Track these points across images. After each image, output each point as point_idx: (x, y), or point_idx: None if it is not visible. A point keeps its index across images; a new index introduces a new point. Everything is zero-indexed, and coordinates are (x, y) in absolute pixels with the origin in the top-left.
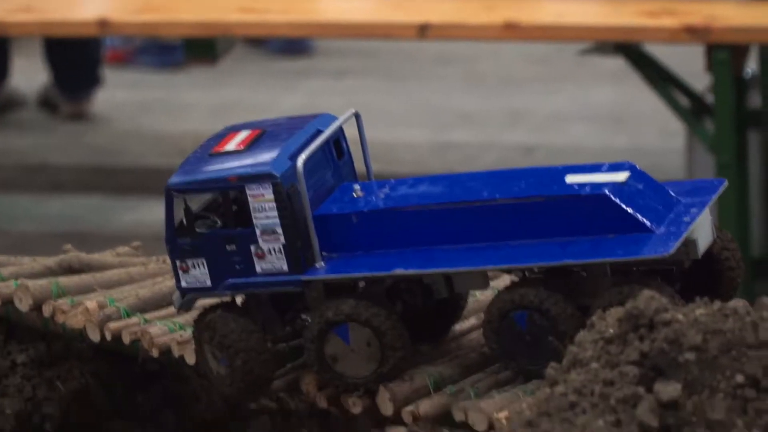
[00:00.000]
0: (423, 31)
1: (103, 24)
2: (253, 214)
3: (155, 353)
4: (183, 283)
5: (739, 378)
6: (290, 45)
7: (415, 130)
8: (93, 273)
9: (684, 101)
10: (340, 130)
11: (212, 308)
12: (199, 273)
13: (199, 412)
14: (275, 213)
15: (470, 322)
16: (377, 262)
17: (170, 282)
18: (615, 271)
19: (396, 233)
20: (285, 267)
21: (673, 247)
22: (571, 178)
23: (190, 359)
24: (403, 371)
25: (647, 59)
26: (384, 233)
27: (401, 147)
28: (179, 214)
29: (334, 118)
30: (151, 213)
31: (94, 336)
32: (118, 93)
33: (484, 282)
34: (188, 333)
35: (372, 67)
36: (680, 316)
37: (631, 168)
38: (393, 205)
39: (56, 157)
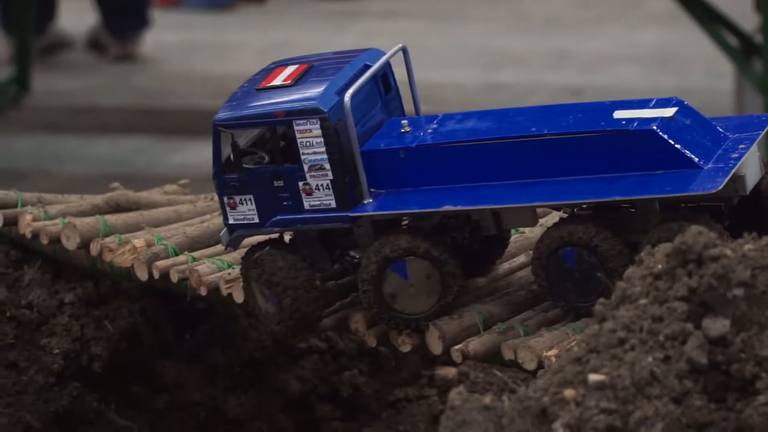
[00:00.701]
0: None
1: None
2: (300, 150)
3: (203, 292)
4: (230, 220)
5: None
6: None
7: (463, 70)
8: (141, 211)
9: (733, 41)
10: (388, 66)
11: (260, 245)
12: (246, 209)
13: (248, 350)
14: (323, 148)
15: (519, 259)
16: (426, 198)
17: (218, 220)
18: (663, 207)
19: (444, 169)
20: (333, 203)
21: (722, 183)
22: (619, 114)
23: (238, 298)
24: (463, 304)
25: None
26: (432, 169)
27: (449, 87)
28: (226, 150)
29: (381, 53)
30: (199, 154)
31: (142, 275)
32: (166, 34)
33: (532, 219)
34: (236, 271)
35: (420, 9)
36: (728, 252)
37: (679, 103)
38: (440, 141)
39: (104, 99)
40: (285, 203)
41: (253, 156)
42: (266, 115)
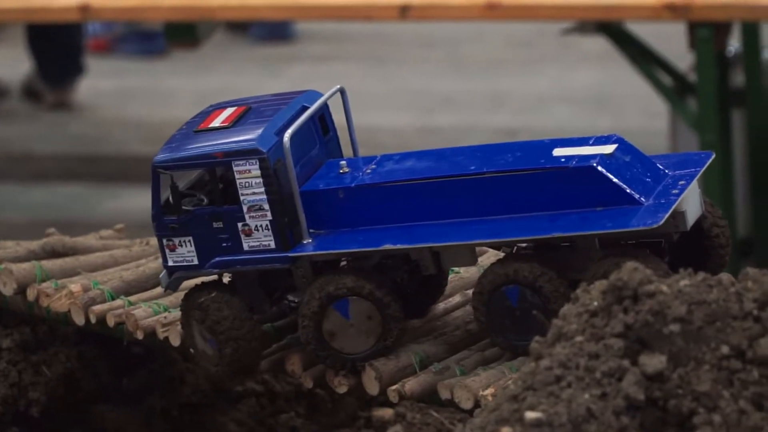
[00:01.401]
0: (404, 12)
1: (84, 9)
2: (240, 191)
3: (140, 336)
4: (170, 262)
5: (725, 349)
6: (272, 31)
7: (398, 113)
8: (77, 256)
9: (667, 81)
10: (326, 107)
11: (204, 287)
12: (186, 251)
13: (185, 394)
14: (262, 189)
15: (455, 299)
16: (366, 237)
17: (154, 264)
18: (604, 244)
19: (383, 209)
20: (272, 244)
21: (663, 218)
22: (558, 151)
23: (175, 341)
24: (400, 344)
25: (629, 39)
26: (371, 209)
27: (385, 131)
28: (166, 192)
29: (319, 95)
30: (134, 200)
31: (79, 319)
32: (101, 81)
33: (472, 258)
34: (173, 315)
35: (354, 52)
36: (664, 288)
37: (619, 140)
38: (379, 180)
39: (40, 146)
40: (224, 244)
41: (192, 198)
42: (205, 156)
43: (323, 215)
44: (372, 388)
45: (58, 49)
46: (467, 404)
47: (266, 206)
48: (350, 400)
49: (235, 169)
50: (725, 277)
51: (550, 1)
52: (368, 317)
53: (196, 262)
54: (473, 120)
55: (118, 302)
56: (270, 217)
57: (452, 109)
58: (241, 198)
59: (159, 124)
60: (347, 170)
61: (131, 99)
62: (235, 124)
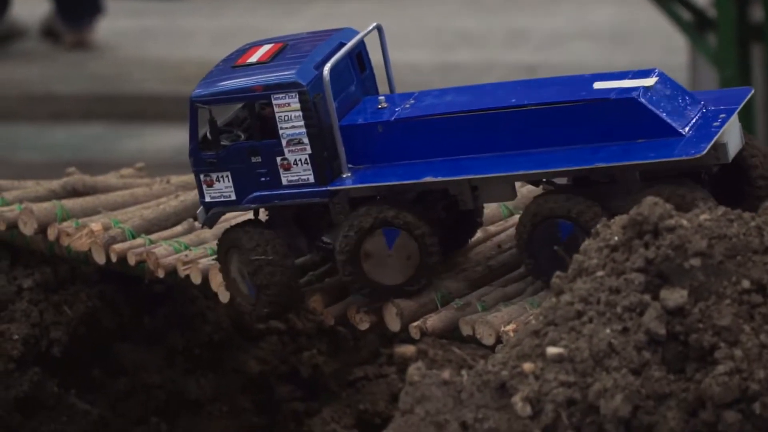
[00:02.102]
0: None
1: None
2: (278, 124)
3: (161, 274)
4: (207, 198)
5: (746, 283)
6: None
7: (418, 51)
8: (97, 195)
9: (686, 16)
10: (362, 45)
11: (243, 225)
12: (223, 187)
13: (206, 332)
14: (301, 122)
15: (476, 235)
16: (405, 171)
17: (175, 202)
18: (644, 177)
19: (422, 143)
20: (311, 178)
21: (705, 148)
22: (598, 84)
23: (196, 279)
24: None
25: None
26: (410, 143)
27: (404, 68)
28: (203, 128)
29: (356, 32)
30: (154, 140)
31: (100, 258)
32: (120, 21)
33: (511, 192)
34: (194, 253)
35: None
36: (685, 222)
37: (659, 74)
38: (419, 114)
39: (59, 87)
40: (263, 179)
41: (230, 134)
42: (244, 89)
43: (362, 150)
44: (393, 324)
45: None
46: (489, 340)
47: (305, 140)
48: (372, 337)
49: (274, 102)
50: (745, 212)
51: None
52: (408, 257)
53: (233, 197)
54: (492, 57)
55: (139, 241)
56: (309, 151)
57: (470, 47)
58: (280, 132)
59: (178, 63)
60: (386, 105)
61: (150, 39)
62: (274, 59)
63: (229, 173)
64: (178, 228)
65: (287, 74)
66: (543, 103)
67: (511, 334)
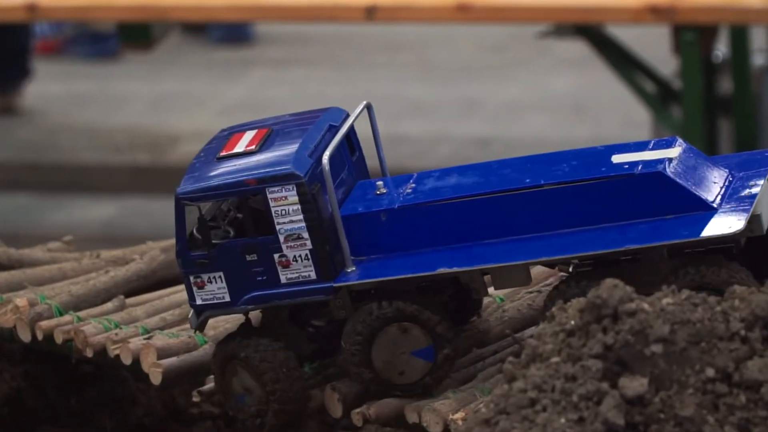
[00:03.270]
0: (370, 13)
1: (31, 8)
2: (275, 220)
3: (89, 353)
4: (199, 300)
5: (710, 372)
6: (231, 33)
7: (362, 120)
8: (23, 269)
9: (650, 87)
10: (351, 126)
11: (240, 334)
12: (216, 288)
13: (136, 415)
14: (300, 216)
15: None
16: (415, 262)
17: (104, 278)
18: (671, 254)
19: (430, 230)
20: (313, 274)
21: (743, 222)
22: (618, 158)
23: (126, 359)
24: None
25: (610, 43)
26: (417, 230)
27: None
28: (190, 226)
29: (343, 112)
30: (84, 212)
31: (25, 335)
32: (50, 85)
33: (527, 277)
34: (124, 331)
35: (317, 56)
36: (646, 306)
37: (682, 142)
38: (426, 200)
39: None
40: (259, 278)
41: (217, 231)
42: (236, 184)
43: (364, 240)
44: (335, 410)
45: (3, 52)
46: (436, 429)
47: (305, 234)
48: (312, 423)
49: (269, 196)
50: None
51: (525, 2)
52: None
53: (227, 298)
54: (443, 128)
55: (67, 318)
56: (310, 246)
57: (421, 117)
58: (277, 227)
59: (111, 130)
60: (384, 191)
61: (81, 104)
62: (262, 147)
63: (222, 273)
64: (108, 305)
65: (282, 165)
66: (561, 182)
67: (460, 422)
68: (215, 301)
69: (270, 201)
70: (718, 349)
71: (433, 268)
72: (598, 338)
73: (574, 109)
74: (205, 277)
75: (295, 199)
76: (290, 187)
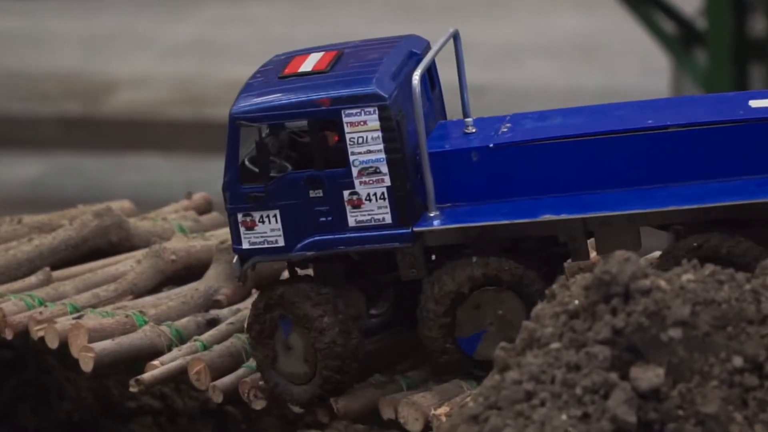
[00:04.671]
0: None
1: None
2: (349, 149)
3: (9, 335)
4: (245, 244)
5: (737, 361)
6: None
7: None
8: None
9: (670, 28)
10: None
11: (289, 284)
12: (268, 229)
13: (64, 410)
14: (380, 146)
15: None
16: (511, 208)
17: (27, 247)
18: None
19: (528, 174)
20: (388, 218)
21: None
22: (757, 103)
23: (53, 343)
24: None
25: None
26: (512, 174)
27: None
28: (244, 153)
29: (422, 40)
30: (6, 170)
31: None
32: None
33: (635, 240)
34: (50, 309)
35: None
36: (663, 283)
37: None
38: (526, 138)
39: None
40: (322, 219)
41: (273, 164)
42: (305, 104)
43: (449, 184)
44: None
45: None
46: (415, 426)
47: (383, 168)
48: (270, 419)
49: (345, 120)
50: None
51: None
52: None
53: (281, 243)
54: None
55: None
56: (388, 183)
57: None
58: (351, 158)
59: (39, 76)
60: (473, 130)
61: (6, 45)
62: (333, 68)
63: (277, 212)
64: (32, 279)
65: (362, 84)
66: (692, 123)
67: (443, 419)
68: (266, 245)
69: (345, 125)
70: (747, 335)
71: (535, 215)
72: (606, 321)
73: (581, 54)
74: (256, 215)
75: (376, 124)
76: (371, 110)
